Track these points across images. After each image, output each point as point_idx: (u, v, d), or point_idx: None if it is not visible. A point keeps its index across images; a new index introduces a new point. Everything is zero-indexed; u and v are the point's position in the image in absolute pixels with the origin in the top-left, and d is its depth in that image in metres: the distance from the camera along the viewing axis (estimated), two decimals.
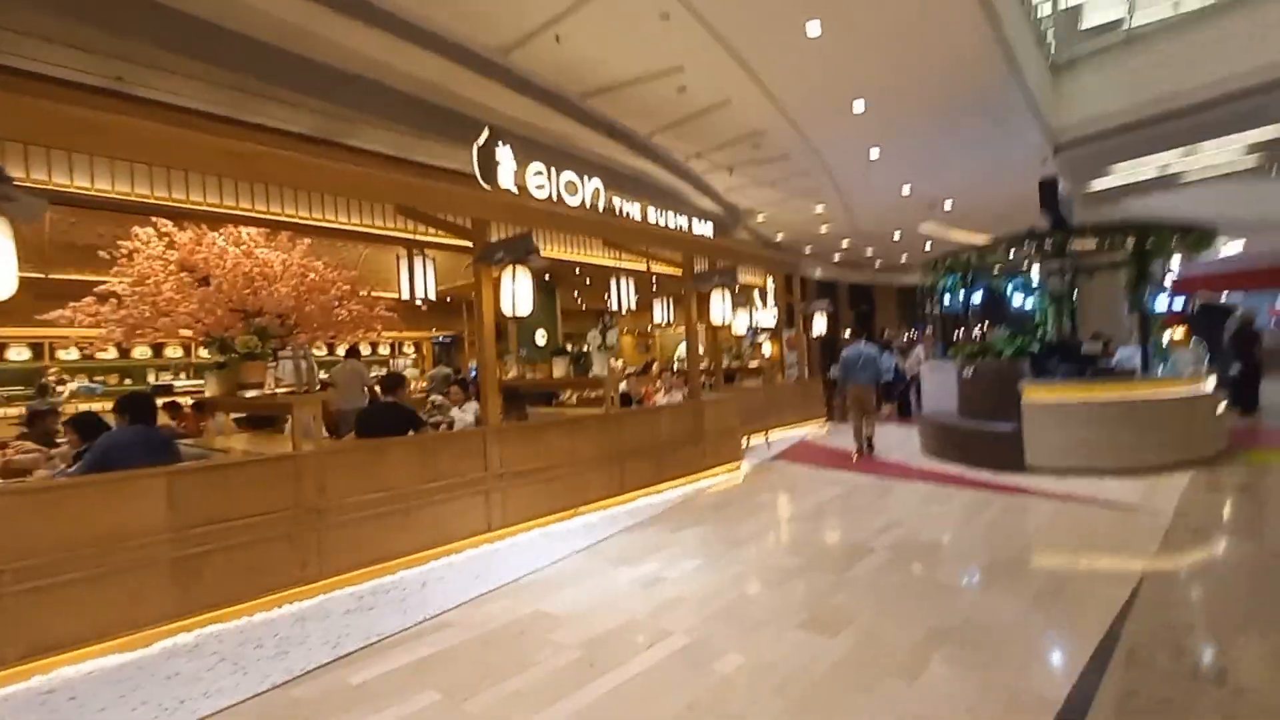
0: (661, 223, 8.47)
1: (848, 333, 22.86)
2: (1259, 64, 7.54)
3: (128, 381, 9.87)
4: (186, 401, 7.39)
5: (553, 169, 6.92)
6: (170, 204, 6.03)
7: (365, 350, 12.80)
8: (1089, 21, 11.51)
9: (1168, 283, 7.71)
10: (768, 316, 13.90)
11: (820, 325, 14.10)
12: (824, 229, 17.32)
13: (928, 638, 2.99)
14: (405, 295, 5.96)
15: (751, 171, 12.10)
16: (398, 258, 5.95)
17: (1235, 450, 6.84)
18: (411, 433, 4.70)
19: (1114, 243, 6.88)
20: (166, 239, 5.61)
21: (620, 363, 15.55)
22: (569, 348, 8.22)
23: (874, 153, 10.98)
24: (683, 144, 10.43)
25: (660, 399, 7.94)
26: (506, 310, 4.95)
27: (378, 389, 5.26)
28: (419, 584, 4.15)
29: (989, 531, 4.77)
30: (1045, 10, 10.57)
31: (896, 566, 4.07)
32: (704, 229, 9.87)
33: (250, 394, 4.61)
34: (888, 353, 12.79)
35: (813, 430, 11.59)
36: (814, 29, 6.65)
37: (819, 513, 5.75)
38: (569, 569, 4.35)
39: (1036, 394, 6.48)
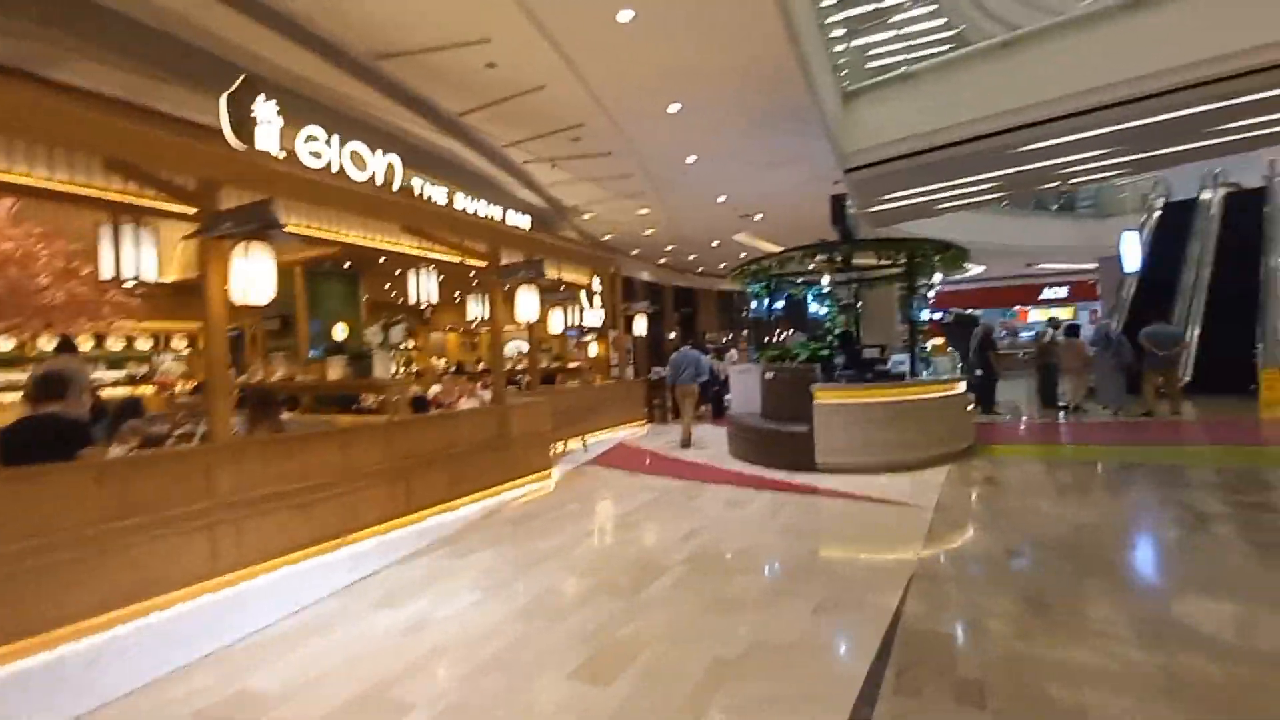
0: (474, 211, 7.70)
1: (673, 335, 23.58)
2: (1001, 109, 8.71)
3: None
4: None
5: (335, 135, 5.88)
6: None
7: (119, 345, 10.31)
8: (873, 58, 12.76)
9: (930, 296, 8.60)
10: (594, 316, 13.62)
11: (641, 326, 14.15)
12: (648, 232, 17.52)
13: (709, 672, 2.70)
14: (109, 274, 4.60)
15: (574, 167, 11.71)
16: (98, 226, 4.57)
17: (979, 445, 7.77)
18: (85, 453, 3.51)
19: (888, 257, 7.52)
20: None
21: (443, 362, 14.36)
22: (360, 345, 7.14)
23: (691, 158, 11.14)
24: (499, 129, 9.71)
25: (465, 403, 7.18)
26: (238, 297, 3.94)
27: (59, 395, 3.90)
28: (88, 660, 3.06)
29: (781, 537, 4.76)
30: (840, 42, 11.49)
31: (691, 583, 3.82)
32: (520, 221, 9.25)
33: None
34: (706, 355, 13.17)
35: (633, 432, 11.48)
36: (625, 16, 6.36)
37: (623, 523, 5.45)
38: (314, 619, 3.52)
39: (825, 396, 6.80)
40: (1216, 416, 9.59)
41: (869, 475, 6.47)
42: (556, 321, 10.55)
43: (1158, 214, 16.30)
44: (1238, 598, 3.34)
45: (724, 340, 21.12)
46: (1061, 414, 10.36)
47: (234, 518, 4.04)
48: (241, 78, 5.15)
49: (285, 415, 6.55)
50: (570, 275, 11.56)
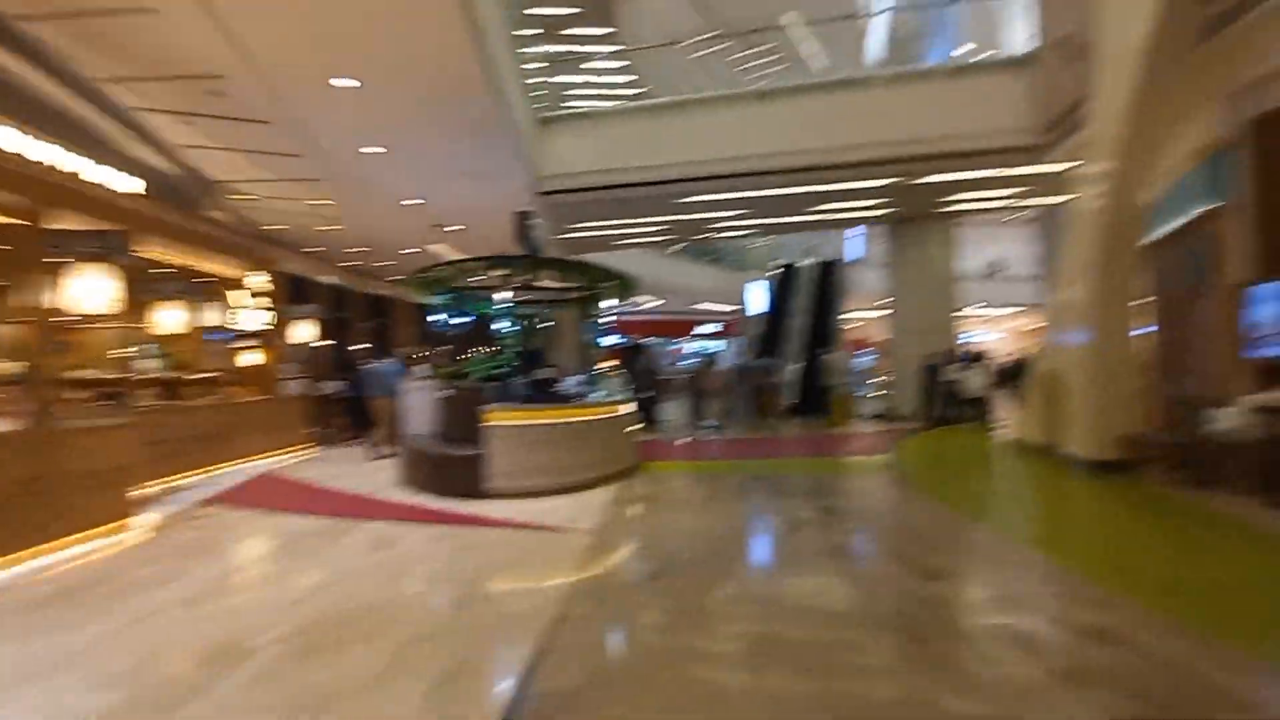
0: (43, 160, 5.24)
1: (360, 346, 20.84)
2: (669, 160, 9.58)
3: None
4: None
5: None
6: None
7: None
8: (569, 95, 13.16)
9: (607, 321, 8.91)
10: (253, 318, 10.98)
11: (306, 333, 11.99)
12: (329, 228, 15.14)
13: None
14: None
15: (221, 132, 9.30)
16: None
17: (642, 462, 8.16)
18: None
19: (568, 279, 7.53)
20: None
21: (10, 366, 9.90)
22: None
23: (373, 149, 9.80)
24: (94, 57, 7.09)
25: None
26: None
27: None
28: None
29: (424, 585, 4.04)
30: (538, 75, 11.50)
31: (280, 672, 2.83)
32: (126, 184, 6.88)
33: None
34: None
35: (292, 458, 9.45)
36: None
37: (219, 588, 4.07)
38: None
39: (497, 417, 6.33)
40: (809, 433, 11.96)
41: (539, 499, 6.17)
42: (174, 318, 8.08)
43: (775, 272, 20.31)
44: (829, 578, 3.79)
45: (415, 355, 19.38)
46: (708, 431, 11.80)
47: None
48: None
49: None
50: (214, 266, 9.15)
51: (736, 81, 12.85)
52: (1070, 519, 5.78)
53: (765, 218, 12.76)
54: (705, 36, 13.24)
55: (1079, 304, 7.24)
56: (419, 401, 8.15)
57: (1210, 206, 6.21)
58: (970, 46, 14.39)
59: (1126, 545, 4.85)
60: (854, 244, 21.82)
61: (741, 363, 12.46)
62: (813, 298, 17.47)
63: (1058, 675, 2.69)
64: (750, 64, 14.46)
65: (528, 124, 9.85)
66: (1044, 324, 9.46)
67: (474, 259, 7.36)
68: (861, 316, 23.09)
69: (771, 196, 10.57)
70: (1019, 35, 10.35)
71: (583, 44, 13.82)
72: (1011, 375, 12.23)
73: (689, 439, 11.20)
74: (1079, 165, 7.51)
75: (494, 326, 8.54)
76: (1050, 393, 7.82)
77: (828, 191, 10.69)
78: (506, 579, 4.20)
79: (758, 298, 17.31)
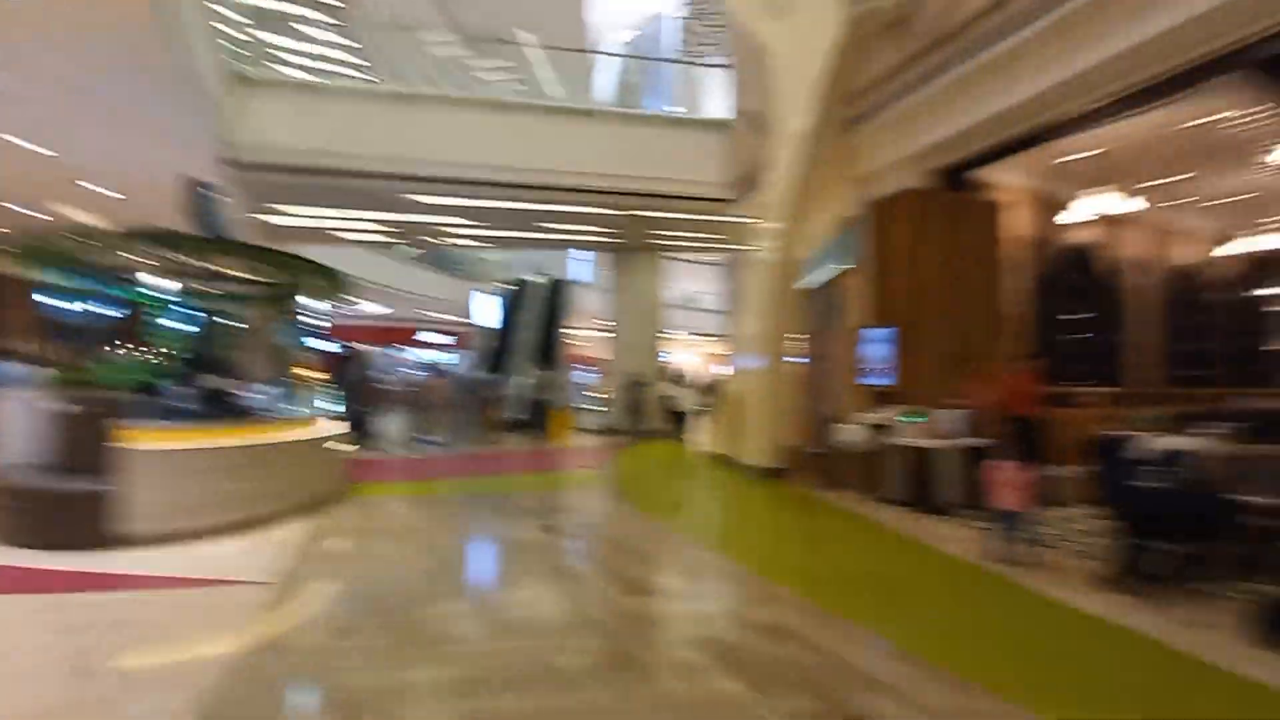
0: None
1: None
2: (394, 154, 8.64)
3: None
4: None
5: None
6: None
7: None
8: (278, 58, 11.04)
9: (316, 325, 7.57)
10: None
11: None
12: None
13: None
14: None
15: None
16: None
17: (352, 486, 6.95)
18: None
19: (260, 271, 6.09)
20: None
21: None
22: None
23: None
24: None
25: None
26: None
27: None
28: None
29: None
30: (235, 25, 9.35)
31: None
32: None
33: None
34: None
35: None
36: None
37: None
38: None
39: (142, 439, 4.77)
40: (531, 448, 11.76)
41: (204, 542, 4.78)
42: None
43: (508, 287, 20.01)
44: (542, 592, 3.62)
45: (26, 352, 13.92)
46: (429, 448, 10.86)
47: None
48: None
49: None
50: None
51: (472, 89, 12.35)
52: (740, 520, 6.82)
53: (495, 229, 12.46)
54: (444, 40, 12.45)
55: (752, 336, 8.60)
56: (18, 415, 5.73)
57: (845, 265, 7.97)
58: (683, 110, 16.29)
59: (776, 540, 5.87)
60: (583, 266, 22.86)
61: (467, 376, 11.87)
62: (541, 315, 17.64)
63: (725, 659, 3.11)
64: (487, 74, 14.07)
65: (217, 76, 7.91)
66: (728, 351, 11.01)
67: (119, 231, 5.54)
68: (588, 335, 24.23)
69: (501, 209, 10.36)
70: (720, 105, 12.03)
71: (299, 4, 11.79)
72: (706, 394, 14.01)
73: (408, 455, 10.17)
74: (757, 221, 8.96)
75: (151, 320, 6.53)
76: (732, 411, 9.09)
77: (555, 212, 10.90)
78: (131, 665, 3.03)
79: (489, 310, 16.84)
